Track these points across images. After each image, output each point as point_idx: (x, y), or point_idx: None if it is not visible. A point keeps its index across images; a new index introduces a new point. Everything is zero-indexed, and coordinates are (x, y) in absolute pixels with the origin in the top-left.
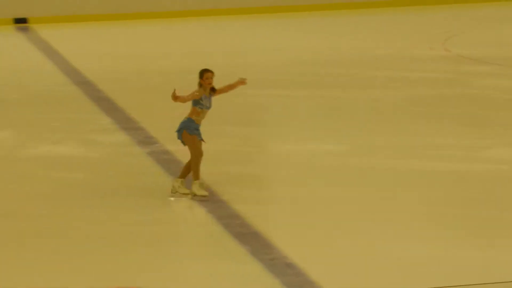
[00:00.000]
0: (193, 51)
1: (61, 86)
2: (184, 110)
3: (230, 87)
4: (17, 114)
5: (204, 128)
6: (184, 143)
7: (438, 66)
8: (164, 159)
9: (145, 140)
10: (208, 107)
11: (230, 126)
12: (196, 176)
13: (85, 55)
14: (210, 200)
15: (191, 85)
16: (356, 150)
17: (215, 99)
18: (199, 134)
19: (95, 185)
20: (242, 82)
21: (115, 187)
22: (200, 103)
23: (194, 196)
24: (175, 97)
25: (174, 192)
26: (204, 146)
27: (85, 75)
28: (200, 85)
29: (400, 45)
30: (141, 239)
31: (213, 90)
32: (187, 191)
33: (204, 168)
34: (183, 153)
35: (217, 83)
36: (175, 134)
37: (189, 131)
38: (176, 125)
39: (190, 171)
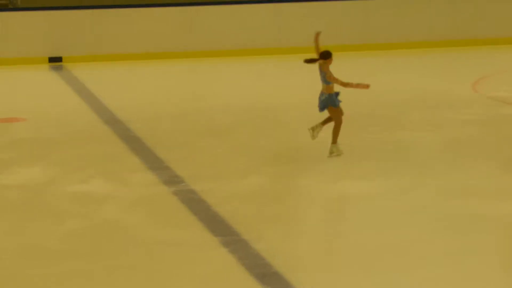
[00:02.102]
0: (229, 91)
1: (92, 125)
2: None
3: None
4: (48, 151)
5: (234, 163)
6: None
7: (480, 107)
8: (189, 198)
9: (171, 179)
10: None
11: (266, 165)
12: (335, 140)
13: (116, 94)
14: (235, 239)
15: (220, 126)
16: (403, 191)
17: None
18: (339, 102)
19: (122, 222)
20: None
21: (140, 222)
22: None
23: (331, 154)
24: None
25: (312, 131)
26: (237, 186)
27: (115, 114)
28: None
29: (446, 85)
30: (162, 280)
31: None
32: (317, 134)
33: (229, 206)
34: (208, 193)
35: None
36: (203, 172)
37: (333, 105)
38: (202, 167)
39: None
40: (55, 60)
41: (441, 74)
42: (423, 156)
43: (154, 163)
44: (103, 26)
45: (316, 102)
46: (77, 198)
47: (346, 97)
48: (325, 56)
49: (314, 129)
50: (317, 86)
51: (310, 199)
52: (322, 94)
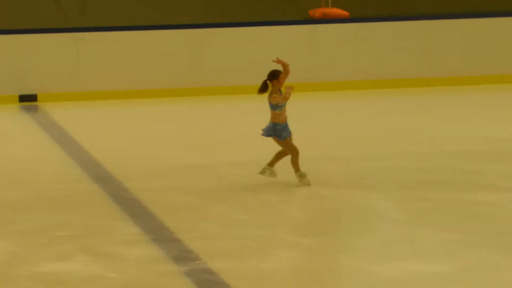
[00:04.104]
0: (241, 139)
1: (75, 183)
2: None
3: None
4: (15, 219)
5: (265, 236)
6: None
7: None
8: (206, 281)
9: (182, 255)
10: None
11: (295, 236)
12: (297, 168)
13: (106, 142)
14: None
15: (232, 185)
16: (473, 272)
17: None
18: (288, 132)
19: None
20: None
21: None
22: (279, 106)
23: (300, 183)
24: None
25: (263, 173)
26: (263, 263)
27: (106, 169)
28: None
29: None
30: None
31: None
32: (274, 176)
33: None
34: (230, 274)
35: None
36: (219, 245)
37: (279, 138)
38: (221, 240)
39: (279, 160)
40: (27, 98)
41: None
42: (505, 225)
43: (158, 232)
44: (87, 54)
45: None
46: (50, 281)
47: (401, 141)
48: (270, 77)
49: (263, 173)
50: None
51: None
52: (269, 122)
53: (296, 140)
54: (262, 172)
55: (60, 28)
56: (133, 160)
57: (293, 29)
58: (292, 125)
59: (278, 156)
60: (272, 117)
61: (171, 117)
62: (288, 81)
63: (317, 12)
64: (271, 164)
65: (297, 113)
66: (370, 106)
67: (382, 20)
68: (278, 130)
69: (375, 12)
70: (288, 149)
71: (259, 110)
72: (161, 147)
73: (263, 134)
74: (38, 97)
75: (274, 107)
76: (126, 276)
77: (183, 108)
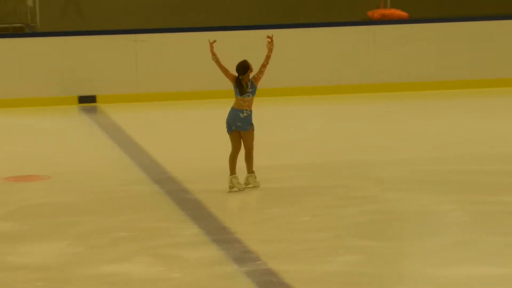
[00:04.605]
0: (303, 143)
1: (135, 185)
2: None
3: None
4: (75, 221)
5: (327, 238)
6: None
7: None
8: (266, 282)
9: (242, 256)
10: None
11: (357, 239)
12: (251, 169)
13: (166, 144)
14: None
15: (293, 187)
16: None
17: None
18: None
19: None
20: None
21: None
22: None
23: (247, 185)
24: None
25: (231, 188)
26: (325, 265)
27: (166, 170)
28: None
29: None
30: None
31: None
32: (242, 185)
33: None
34: (291, 276)
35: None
36: (280, 247)
37: (253, 127)
38: (282, 242)
39: (251, 161)
40: (86, 100)
41: None
42: None
43: (218, 234)
44: (146, 55)
45: None
46: (111, 282)
47: (464, 143)
48: (242, 71)
49: (248, 184)
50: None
51: None
52: (242, 111)
53: (359, 143)
54: (247, 184)
55: (119, 29)
56: (193, 162)
57: (352, 30)
58: (354, 127)
59: (248, 159)
60: (249, 104)
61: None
62: (347, 82)
63: (376, 13)
64: (250, 170)
65: (357, 114)
66: (430, 107)
67: (441, 21)
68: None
69: (434, 13)
70: (251, 141)
71: (319, 113)
72: (221, 148)
73: (243, 128)
74: (97, 99)
75: (254, 92)
76: (186, 277)
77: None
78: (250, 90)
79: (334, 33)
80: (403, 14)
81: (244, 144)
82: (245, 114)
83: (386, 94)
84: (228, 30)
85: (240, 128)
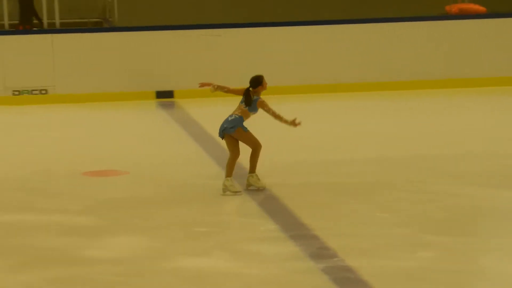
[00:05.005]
0: (382, 137)
1: (212, 179)
2: None
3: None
4: (154, 215)
5: (404, 234)
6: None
7: None
8: (344, 278)
9: (319, 252)
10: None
11: (434, 235)
12: (253, 169)
13: None
14: None
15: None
16: None
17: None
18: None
19: None
20: (293, 123)
21: None
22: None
23: (250, 186)
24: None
25: (225, 192)
26: (402, 261)
27: (243, 165)
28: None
29: None
30: None
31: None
32: (239, 188)
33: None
34: (368, 272)
35: None
36: (357, 242)
37: (243, 128)
38: (359, 238)
39: (256, 161)
40: (164, 95)
41: None
42: None
43: (295, 229)
44: (222, 50)
45: None
46: (190, 276)
47: None
48: (256, 84)
49: (249, 185)
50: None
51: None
52: (232, 115)
53: (428, 137)
54: (248, 185)
55: (196, 24)
56: (269, 156)
57: (430, 25)
58: (428, 121)
59: (250, 158)
60: (241, 112)
61: (308, 113)
62: (424, 77)
63: (454, 8)
64: (252, 170)
65: (437, 107)
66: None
67: None
68: (242, 121)
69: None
70: (253, 141)
71: (385, 107)
72: (297, 143)
73: (224, 131)
74: (175, 94)
75: (253, 109)
76: (264, 273)
77: (323, 104)
78: (253, 104)
79: (411, 27)
80: (481, 8)
81: (248, 146)
82: (232, 117)
83: (467, 89)
84: (310, 25)
85: (227, 130)
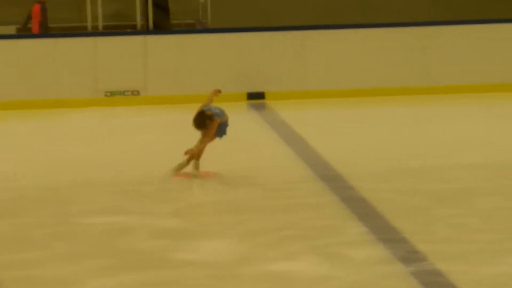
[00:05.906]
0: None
1: (303, 183)
2: None
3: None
4: (243, 219)
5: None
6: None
7: None
8: (433, 282)
9: (409, 256)
10: None
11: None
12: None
13: (334, 142)
14: None
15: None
16: None
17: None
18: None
19: None
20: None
21: None
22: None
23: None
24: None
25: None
26: (494, 267)
27: (334, 168)
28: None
29: None
30: None
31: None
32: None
33: None
34: (459, 277)
35: None
36: (447, 247)
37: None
38: (449, 242)
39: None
40: (255, 96)
41: None
42: None
43: (385, 233)
44: (313, 52)
45: None
46: (278, 280)
47: None
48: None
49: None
50: None
51: None
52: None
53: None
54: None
55: (286, 26)
56: (361, 160)
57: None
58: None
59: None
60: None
61: (395, 118)
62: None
63: None
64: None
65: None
66: None
67: None
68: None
69: None
70: (211, 134)
71: (485, 112)
72: (388, 148)
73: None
74: (266, 95)
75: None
76: (352, 276)
77: (409, 109)
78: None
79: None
80: None
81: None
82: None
83: None
84: (387, 27)
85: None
